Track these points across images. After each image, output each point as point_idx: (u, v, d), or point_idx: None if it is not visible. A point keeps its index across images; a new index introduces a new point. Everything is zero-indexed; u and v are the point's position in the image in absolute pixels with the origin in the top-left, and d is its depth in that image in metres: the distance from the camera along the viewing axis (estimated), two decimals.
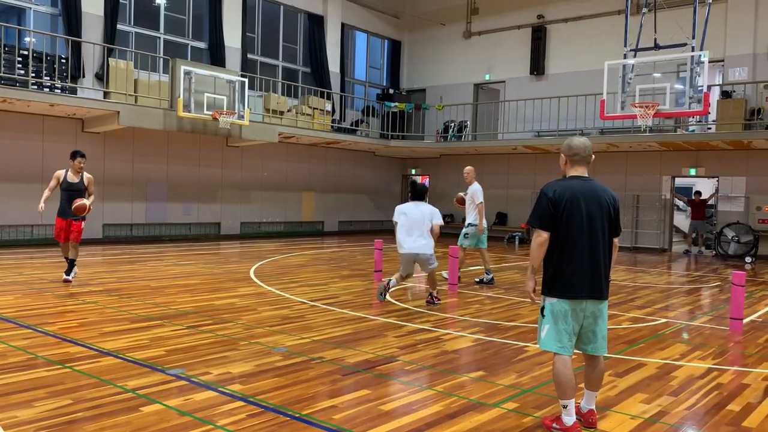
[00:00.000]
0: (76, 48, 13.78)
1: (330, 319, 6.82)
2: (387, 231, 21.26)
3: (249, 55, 17.86)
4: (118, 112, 13.11)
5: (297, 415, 3.84)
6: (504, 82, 20.33)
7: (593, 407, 3.81)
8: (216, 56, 16.64)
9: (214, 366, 4.85)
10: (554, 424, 3.66)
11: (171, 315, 6.75)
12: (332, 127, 19.03)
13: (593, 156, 3.84)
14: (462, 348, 5.71)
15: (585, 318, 3.68)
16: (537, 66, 19.40)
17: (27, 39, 13.60)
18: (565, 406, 3.62)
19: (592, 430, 3.75)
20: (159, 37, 16.08)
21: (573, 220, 3.61)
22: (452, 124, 20.28)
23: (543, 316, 3.72)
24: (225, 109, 14.44)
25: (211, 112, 14.20)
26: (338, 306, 7.61)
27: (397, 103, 20.19)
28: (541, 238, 3.64)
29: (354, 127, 20.35)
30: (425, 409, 4.01)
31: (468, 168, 10.20)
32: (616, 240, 3.83)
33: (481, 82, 20.86)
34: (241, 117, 14.81)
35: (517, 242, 18.37)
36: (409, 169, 22.41)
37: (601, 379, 3.87)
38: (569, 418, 3.60)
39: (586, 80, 17.60)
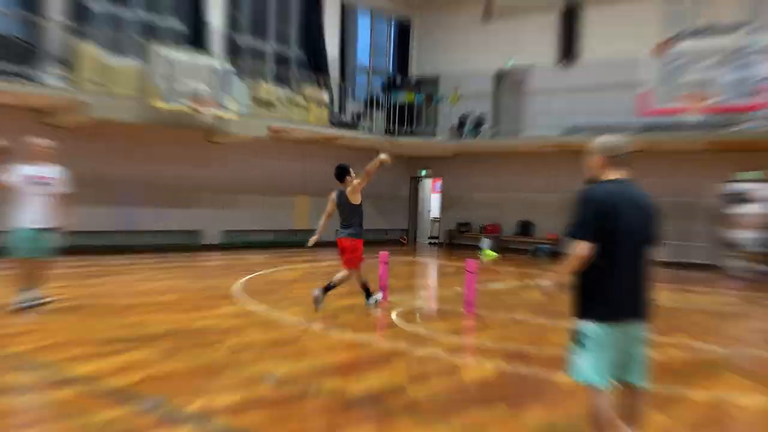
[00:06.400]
0: (36, 28, 13.91)
1: (328, 344, 6.89)
2: (393, 242, 21.31)
3: (234, 38, 17.98)
4: (87, 102, 13.23)
5: None
6: (529, 70, 20.38)
7: None
8: (196, 38, 16.75)
9: (196, 395, 4.90)
10: None
11: (145, 337, 6.80)
12: (330, 121, 19.12)
13: None
14: (481, 378, 5.75)
15: (628, 343, 3.71)
16: (567, 53, 19.50)
17: None
18: None
19: None
20: (130, 17, 16.18)
21: (619, 231, 3.63)
22: (468, 118, 20.33)
23: (582, 344, 3.69)
24: (207, 100, 14.55)
25: (191, 103, 14.31)
26: (338, 327, 7.65)
27: (405, 94, 20.28)
28: (582, 250, 3.61)
29: (355, 121, 20.43)
30: None
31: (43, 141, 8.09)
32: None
33: (502, 70, 20.91)
34: (226, 109, 14.92)
35: (544, 255, 18.43)
36: (418, 170, 22.48)
37: (642, 414, 3.89)
38: None
39: (624, 69, 17.64)
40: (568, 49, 19.50)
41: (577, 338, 3.72)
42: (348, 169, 8.64)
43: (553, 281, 3.80)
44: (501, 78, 21.16)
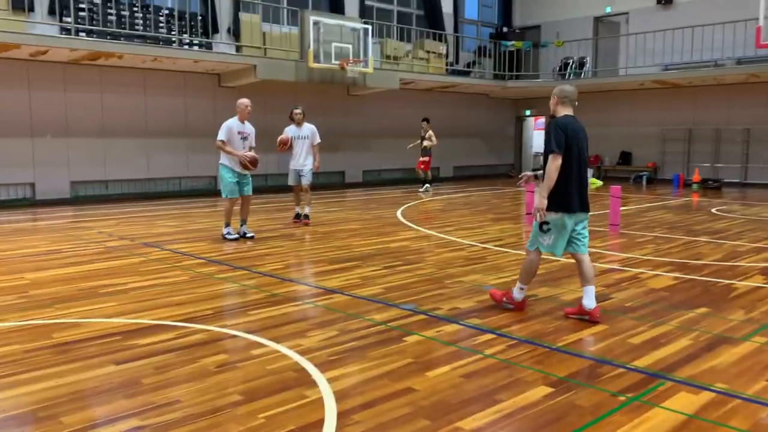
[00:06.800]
0: (210, 4, 14.28)
1: (512, 260, 6.98)
2: (501, 175, 21.13)
3: (364, 1, 17.85)
4: (255, 66, 13.59)
5: (553, 347, 4.06)
6: (627, 13, 19.30)
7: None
8: (335, 3, 16.74)
9: (438, 302, 5.15)
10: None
11: (359, 256, 7.12)
12: (446, 70, 18.85)
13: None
14: (668, 286, 5.74)
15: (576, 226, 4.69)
16: None
17: None
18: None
19: None
20: None
21: (572, 149, 4.52)
22: (571, 61, 19.58)
23: (548, 229, 4.63)
24: (351, 58, 14.63)
25: (338, 62, 14.43)
26: (510, 248, 7.77)
27: (513, 42, 19.67)
28: (558, 159, 4.45)
29: (467, 69, 20.07)
30: (675, 343, 4.12)
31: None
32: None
33: (601, 15, 19.89)
34: (366, 65, 14.96)
35: (644, 181, 17.83)
36: (522, 111, 21.97)
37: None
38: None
39: (719, 7, 16.48)
40: None
41: (545, 225, 4.62)
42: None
43: (544, 188, 4.49)
44: (599, 23, 20.17)
